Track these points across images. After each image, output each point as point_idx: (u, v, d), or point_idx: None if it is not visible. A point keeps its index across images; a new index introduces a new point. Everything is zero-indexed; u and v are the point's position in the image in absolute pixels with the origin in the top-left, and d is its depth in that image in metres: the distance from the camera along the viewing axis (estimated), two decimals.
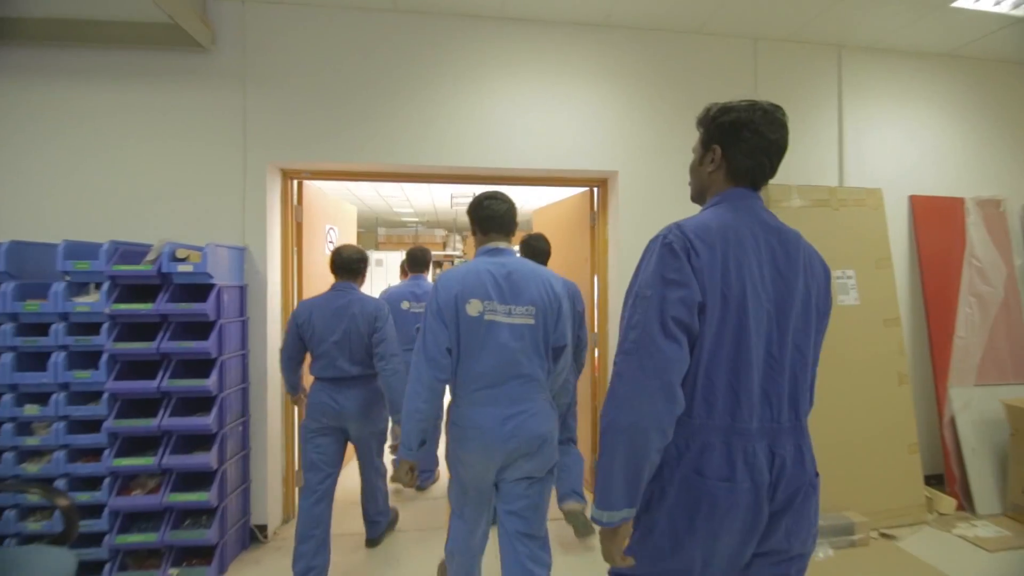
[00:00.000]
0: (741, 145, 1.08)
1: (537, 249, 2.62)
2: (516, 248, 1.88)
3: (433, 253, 4.17)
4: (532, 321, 1.60)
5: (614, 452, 0.96)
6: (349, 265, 2.32)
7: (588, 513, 2.34)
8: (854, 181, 3.30)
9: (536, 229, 4.19)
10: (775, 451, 1.00)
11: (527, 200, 8.58)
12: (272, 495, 2.81)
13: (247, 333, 2.67)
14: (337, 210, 3.69)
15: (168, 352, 2.31)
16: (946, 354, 3.29)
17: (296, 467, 3.02)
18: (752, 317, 0.99)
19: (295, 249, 3.05)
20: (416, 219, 11.02)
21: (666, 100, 3.08)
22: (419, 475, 3.32)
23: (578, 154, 2.97)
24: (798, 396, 1.04)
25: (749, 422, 0.99)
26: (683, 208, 3.19)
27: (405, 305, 3.25)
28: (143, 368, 2.36)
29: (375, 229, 10.79)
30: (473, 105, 2.89)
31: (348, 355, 2.21)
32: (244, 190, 2.70)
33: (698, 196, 1.20)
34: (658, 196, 3.06)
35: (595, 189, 3.29)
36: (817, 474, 1.06)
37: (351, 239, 4.02)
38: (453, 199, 9.24)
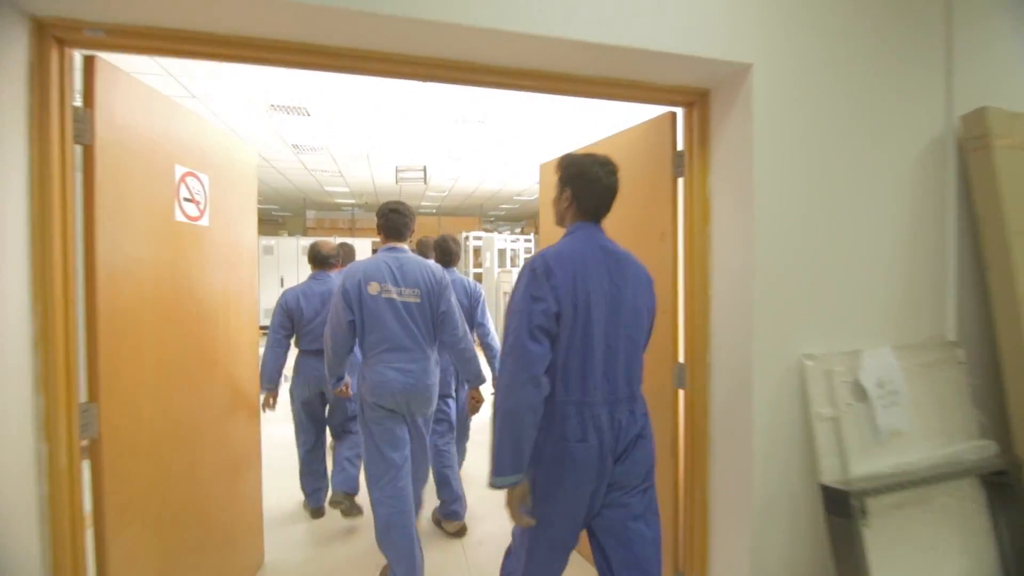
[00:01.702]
0: (583, 191, 1.45)
1: (446, 249, 2.92)
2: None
3: (373, 241, 3.87)
4: (418, 300, 2.14)
5: (501, 431, 1.31)
6: (326, 260, 2.96)
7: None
8: None
9: (543, 192, 2.73)
10: (614, 416, 1.37)
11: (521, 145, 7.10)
12: None
13: None
14: (205, 142, 1.93)
15: None
16: None
17: None
18: (594, 318, 1.36)
19: (80, 208, 1.39)
20: (352, 200, 9.20)
21: None
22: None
23: (678, 27, 1.53)
24: (631, 374, 1.42)
25: (595, 395, 1.36)
26: (863, 137, 1.63)
27: None
28: None
29: (303, 212, 8.89)
30: None
31: None
32: None
33: (560, 221, 1.54)
34: (830, 117, 1.69)
35: (685, 110, 1.84)
36: (645, 425, 1.44)
37: (247, 204, 2.27)
38: (399, 174, 7.55)
